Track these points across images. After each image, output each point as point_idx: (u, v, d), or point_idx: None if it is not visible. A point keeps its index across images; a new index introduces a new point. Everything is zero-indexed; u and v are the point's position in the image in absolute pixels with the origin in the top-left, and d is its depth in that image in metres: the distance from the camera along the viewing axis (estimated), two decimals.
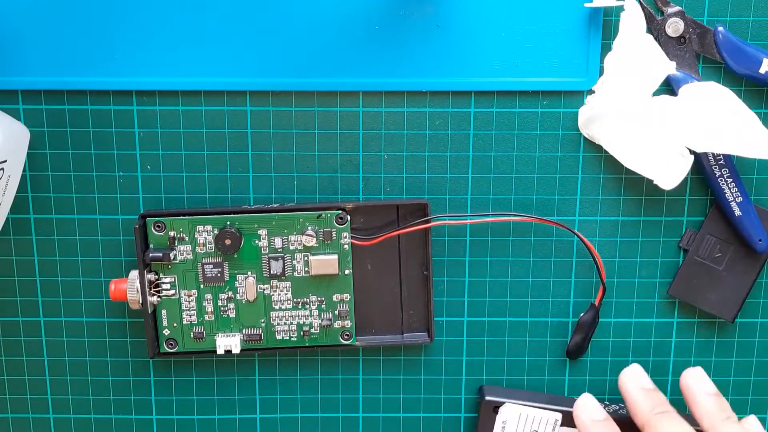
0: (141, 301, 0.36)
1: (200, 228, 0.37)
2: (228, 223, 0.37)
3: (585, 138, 0.38)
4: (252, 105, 0.37)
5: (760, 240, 0.37)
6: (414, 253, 0.38)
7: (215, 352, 0.38)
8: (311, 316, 0.38)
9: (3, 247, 0.38)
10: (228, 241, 0.36)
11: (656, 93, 0.36)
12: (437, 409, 0.40)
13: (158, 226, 0.37)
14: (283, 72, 0.36)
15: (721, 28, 0.36)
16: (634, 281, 0.39)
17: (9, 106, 0.37)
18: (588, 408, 0.37)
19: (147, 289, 0.36)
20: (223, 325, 0.38)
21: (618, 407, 0.39)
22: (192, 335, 0.38)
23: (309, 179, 0.38)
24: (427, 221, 0.37)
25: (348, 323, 0.38)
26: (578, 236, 0.38)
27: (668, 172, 0.36)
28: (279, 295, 0.38)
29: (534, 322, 0.39)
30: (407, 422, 0.40)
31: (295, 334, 0.38)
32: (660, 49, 0.36)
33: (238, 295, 0.37)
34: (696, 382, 0.36)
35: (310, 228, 0.37)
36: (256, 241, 0.37)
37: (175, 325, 0.38)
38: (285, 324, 0.38)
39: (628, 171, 0.38)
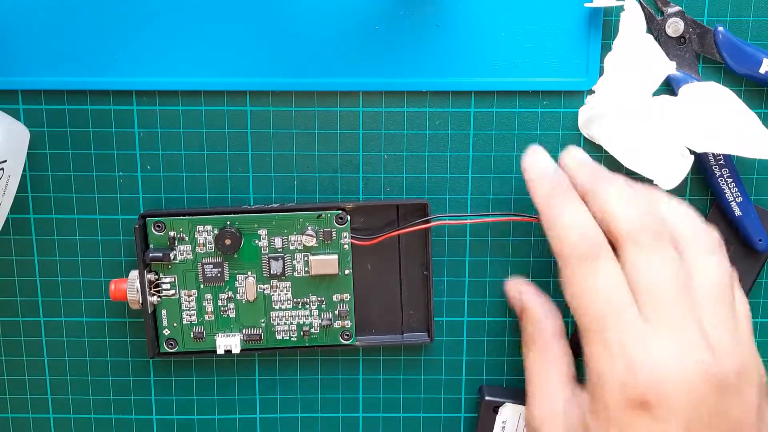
0: (141, 301, 0.36)
1: (200, 228, 0.37)
2: (228, 223, 0.37)
3: (585, 138, 0.38)
4: (252, 105, 0.37)
5: (760, 240, 0.37)
6: (414, 253, 0.38)
7: (215, 352, 0.38)
8: (311, 316, 0.38)
9: (3, 247, 0.38)
10: (228, 241, 0.36)
11: (656, 93, 0.36)
12: (437, 409, 0.40)
13: (158, 226, 0.37)
14: (283, 72, 0.36)
15: (721, 28, 0.36)
16: None
17: (9, 106, 0.37)
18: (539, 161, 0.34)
19: (147, 289, 0.36)
20: (223, 325, 0.38)
21: None
22: (192, 335, 0.38)
23: (309, 179, 0.38)
24: (427, 221, 0.37)
25: (348, 323, 0.38)
26: None
27: (668, 172, 0.36)
28: (279, 295, 0.38)
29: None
30: (407, 422, 0.40)
31: (295, 334, 0.38)
32: (660, 49, 0.36)
33: (238, 295, 0.37)
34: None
35: (310, 228, 0.37)
36: (256, 241, 0.37)
37: (175, 325, 0.38)
38: (285, 324, 0.38)
39: (628, 171, 0.38)
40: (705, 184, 0.38)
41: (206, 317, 0.38)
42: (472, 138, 0.38)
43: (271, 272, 0.37)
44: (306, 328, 0.38)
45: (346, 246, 0.37)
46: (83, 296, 0.39)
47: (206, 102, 0.37)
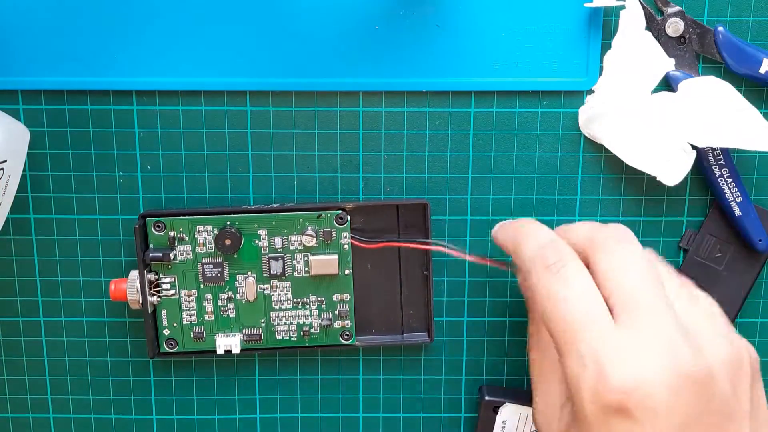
0: (141, 301, 0.36)
1: (200, 228, 0.37)
2: (228, 223, 0.37)
3: (585, 138, 0.38)
4: (252, 105, 0.37)
5: (760, 240, 0.37)
6: (414, 253, 0.38)
7: (215, 352, 0.38)
8: (311, 316, 0.38)
9: (3, 247, 0.38)
10: (228, 241, 0.36)
11: (655, 91, 0.36)
12: (437, 409, 0.40)
13: (158, 226, 0.37)
14: (283, 72, 0.36)
15: (721, 28, 0.36)
16: None
17: (9, 106, 0.37)
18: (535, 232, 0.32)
19: (147, 289, 0.36)
20: (223, 325, 0.38)
21: None
22: (192, 335, 0.38)
23: (309, 179, 0.38)
24: (427, 243, 0.37)
25: (348, 323, 0.38)
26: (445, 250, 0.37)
27: (671, 169, 0.36)
28: (279, 295, 0.38)
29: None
30: (407, 422, 0.40)
31: (295, 334, 0.38)
32: (659, 46, 0.36)
33: (238, 295, 0.37)
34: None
35: (310, 228, 0.37)
36: (256, 241, 0.37)
37: (175, 325, 0.38)
38: (285, 324, 0.38)
39: (629, 171, 0.38)
40: (705, 183, 0.38)
41: (206, 317, 0.38)
42: (472, 138, 0.38)
43: (271, 272, 0.37)
44: (306, 328, 0.38)
45: (346, 246, 0.37)
46: (83, 296, 0.39)
47: (206, 102, 0.37)
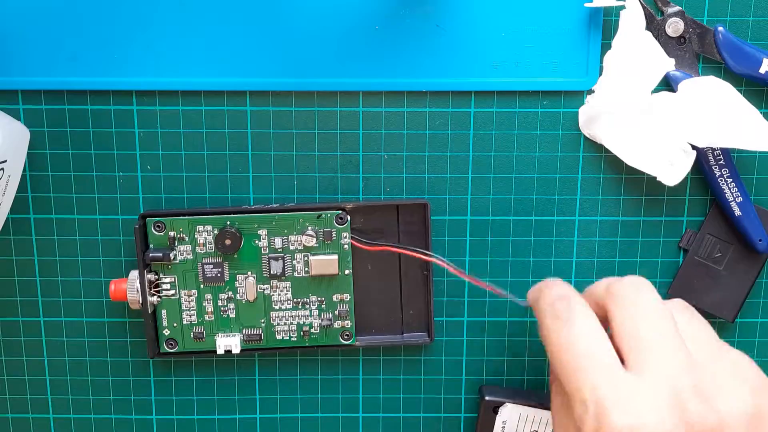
0: (141, 301, 0.36)
1: (200, 228, 0.37)
2: (228, 223, 0.37)
3: (585, 138, 0.38)
4: (252, 105, 0.37)
5: (760, 240, 0.37)
6: None
7: (215, 352, 0.38)
8: (311, 316, 0.38)
9: (3, 247, 0.38)
10: (228, 241, 0.36)
11: (655, 91, 0.36)
12: (437, 409, 0.40)
13: (158, 226, 0.37)
14: (283, 72, 0.36)
15: (721, 28, 0.36)
16: None
17: (9, 106, 0.37)
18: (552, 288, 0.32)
19: (147, 289, 0.36)
20: (223, 325, 0.38)
21: None
22: (192, 335, 0.38)
23: (309, 179, 0.38)
24: (428, 255, 0.37)
25: (348, 323, 0.38)
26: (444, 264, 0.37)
27: (671, 169, 0.36)
28: (279, 295, 0.38)
29: (534, 321, 0.39)
30: (407, 422, 0.40)
31: (295, 334, 0.38)
32: (659, 46, 0.36)
33: (238, 295, 0.37)
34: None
35: (310, 228, 0.37)
36: (256, 241, 0.37)
37: (175, 325, 0.38)
38: (285, 324, 0.38)
39: (628, 171, 0.38)
40: (705, 183, 0.38)
41: (206, 317, 0.38)
42: (472, 138, 0.38)
43: (271, 272, 0.37)
44: (306, 328, 0.38)
45: (346, 246, 0.37)
46: (83, 296, 0.39)
47: (206, 102, 0.37)
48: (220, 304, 0.38)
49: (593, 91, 0.37)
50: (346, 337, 0.38)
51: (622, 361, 0.28)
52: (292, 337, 0.38)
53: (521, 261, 0.39)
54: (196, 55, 0.36)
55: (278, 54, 0.36)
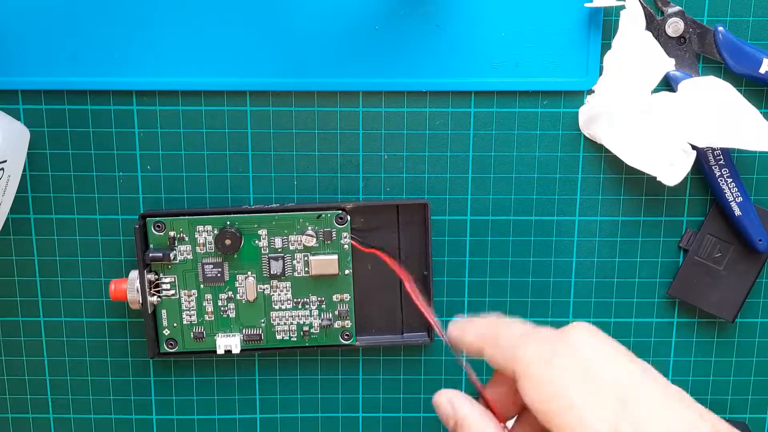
0: (141, 301, 0.36)
1: (200, 228, 0.37)
2: (228, 223, 0.37)
3: (585, 138, 0.38)
4: (252, 105, 0.37)
5: (760, 240, 0.37)
6: (414, 253, 0.38)
7: (215, 352, 0.38)
8: (311, 316, 0.38)
9: (3, 247, 0.38)
10: (228, 241, 0.36)
11: (655, 91, 0.36)
12: None
13: (158, 226, 0.37)
14: (283, 72, 0.36)
15: (721, 28, 0.36)
16: (634, 281, 0.39)
17: (9, 106, 0.37)
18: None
19: (147, 289, 0.36)
20: (223, 325, 0.38)
21: None
22: (192, 335, 0.38)
23: (309, 179, 0.38)
24: (427, 310, 0.35)
25: (348, 323, 0.38)
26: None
27: (671, 169, 0.36)
28: (279, 295, 0.38)
29: (534, 321, 0.39)
30: (407, 422, 0.40)
31: (295, 334, 0.38)
32: (659, 46, 0.36)
33: (238, 295, 0.37)
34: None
35: (310, 228, 0.37)
36: (256, 241, 0.37)
37: (175, 325, 0.38)
38: (285, 324, 0.38)
39: (628, 171, 0.38)
40: (705, 183, 0.38)
41: (206, 317, 0.38)
42: (472, 138, 0.38)
43: (271, 272, 0.37)
44: (306, 328, 0.38)
45: (346, 246, 0.37)
46: (83, 296, 0.39)
47: (206, 102, 0.37)
48: (220, 304, 0.38)
49: (593, 91, 0.37)
50: (346, 337, 0.38)
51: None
52: (292, 337, 0.38)
53: (521, 261, 0.39)
54: (196, 55, 0.36)
55: (278, 54, 0.36)
